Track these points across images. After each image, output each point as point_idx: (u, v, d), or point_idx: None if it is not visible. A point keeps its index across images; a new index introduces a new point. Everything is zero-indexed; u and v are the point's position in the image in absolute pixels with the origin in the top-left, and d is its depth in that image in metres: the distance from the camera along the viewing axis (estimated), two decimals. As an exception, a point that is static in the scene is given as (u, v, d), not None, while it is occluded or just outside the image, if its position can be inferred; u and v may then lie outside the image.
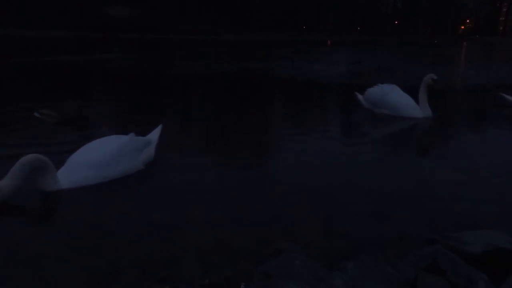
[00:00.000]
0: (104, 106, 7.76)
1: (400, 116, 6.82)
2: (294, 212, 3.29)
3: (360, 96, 7.32)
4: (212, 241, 2.82)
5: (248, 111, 7.82)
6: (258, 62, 17.74)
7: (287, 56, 21.55)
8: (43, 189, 3.50)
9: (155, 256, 2.63)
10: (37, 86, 10.30)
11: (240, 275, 2.35)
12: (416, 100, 6.86)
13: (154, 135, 4.64)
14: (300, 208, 3.37)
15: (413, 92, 6.99)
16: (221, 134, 6.06)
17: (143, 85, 10.90)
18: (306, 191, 3.74)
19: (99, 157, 3.78)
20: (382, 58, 21.85)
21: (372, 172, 4.38)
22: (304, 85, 11.36)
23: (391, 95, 6.96)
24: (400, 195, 3.69)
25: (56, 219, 3.27)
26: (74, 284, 2.35)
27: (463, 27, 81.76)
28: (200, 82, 11.74)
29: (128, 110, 7.59)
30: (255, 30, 55.84)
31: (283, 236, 2.90)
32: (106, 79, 12.34)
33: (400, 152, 5.35)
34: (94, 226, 3.02)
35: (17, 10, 44.75)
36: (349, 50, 29.63)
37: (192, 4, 55.02)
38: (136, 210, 3.30)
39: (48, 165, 3.46)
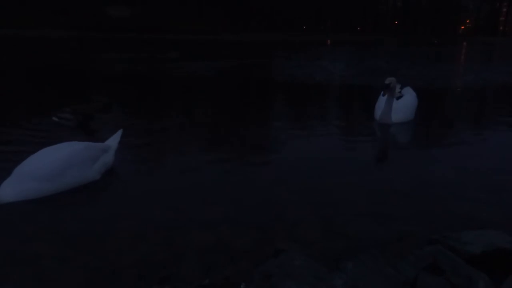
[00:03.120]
0: (113, 109, 7.72)
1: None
2: (294, 212, 3.30)
3: None
4: (212, 241, 2.82)
5: (248, 111, 7.82)
6: (257, 62, 17.73)
7: (287, 56, 21.55)
8: None
9: (155, 256, 2.63)
10: (42, 88, 10.30)
11: (240, 275, 2.35)
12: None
13: (113, 140, 4.31)
14: (300, 208, 3.37)
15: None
16: (220, 134, 6.06)
17: (145, 86, 10.90)
18: (306, 191, 3.74)
19: (47, 167, 3.46)
20: (382, 58, 21.84)
21: (372, 172, 4.38)
22: (304, 85, 11.35)
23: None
24: (400, 195, 3.70)
25: (55, 219, 3.26)
26: (74, 284, 2.36)
27: (463, 27, 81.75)
28: (200, 82, 11.73)
29: (138, 111, 7.59)
30: (255, 30, 55.82)
31: (283, 236, 2.90)
32: (105, 80, 12.32)
33: (400, 152, 5.35)
34: (93, 226, 3.02)
35: (17, 10, 44.72)
36: (348, 50, 29.62)
37: (192, 4, 54.98)
38: (136, 211, 3.30)
39: None
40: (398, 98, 6.84)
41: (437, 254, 2.31)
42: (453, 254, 2.33)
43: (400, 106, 6.53)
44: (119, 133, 4.41)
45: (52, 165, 3.50)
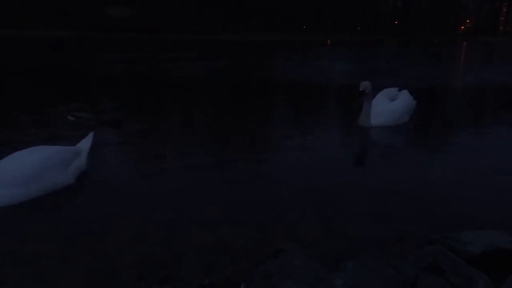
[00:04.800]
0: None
1: None
2: (294, 212, 3.30)
3: None
4: (212, 241, 2.82)
5: (248, 111, 7.82)
6: (257, 62, 17.73)
7: (287, 56, 21.55)
8: None
9: (155, 256, 2.63)
10: (42, 88, 10.30)
11: (240, 275, 2.35)
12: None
13: (85, 143, 4.22)
14: (300, 208, 3.37)
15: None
16: (220, 134, 6.06)
17: (145, 86, 10.90)
18: (306, 191, 3.74)
19: (18, 173, 3.36)
20: (382, 58, 21.85)
21: (372, 172, 4.38)
22: (304, 85, 11.35)
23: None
24: (400, 195, 3.70)
25: (55, 219, 3.26)
26: (74, 284, 2.36)
27: (463, 27, 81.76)
28: (200, 82, 11.74)
29: (137, 111, 7.58)
30: (255, 30, 55.88)
31: (283, 236, 2.90)
32: (105, 80, 12.33)
33: (400, 152, 5.35)
34: (94, 226, 3.02)
35: (17, 10, 44.73)
36: (348, 50, 29.62)
37: (192, 4, 55.00)
38: (136, 211, 3.30)
39: None
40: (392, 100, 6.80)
41: (437, 254, 2.31)
42: (453, 254, 2.33)
43: (385, 110, 6.34)
44: (90, 136, 4.32)
45: (26, 169, 3.42)
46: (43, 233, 2.91)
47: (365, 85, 5.92)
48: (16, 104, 7.72)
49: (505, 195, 3.71)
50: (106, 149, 5.01)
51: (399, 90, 7.15)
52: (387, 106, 6.50)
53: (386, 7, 77.38)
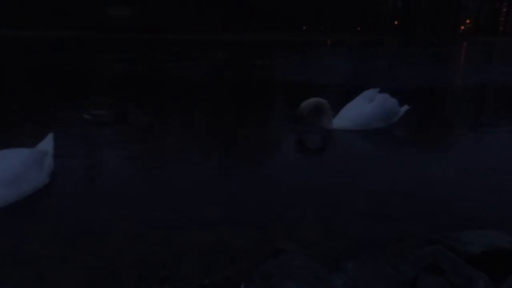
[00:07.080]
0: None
1: None
2: (294, 212, 3.30)
3: None
4: (212, 241, 2.82)
5: (248, 111, 7.82)
6: (257, 62, 17.72)
7: (287, 56, 21.55)
8: None
9: (155, 256, 2.63)
10: (42, 88, 10.29)
11: (240, 275, 2.35)
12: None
13: (47, 144, 4.20)
14: (300, 208, 3.37)
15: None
16: (220, 134, 6.06)
17: (145, 86, 10.90)
18: (306, 191, 3.74)
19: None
20: (382, 58, 21.85)
21: (372, 172, 4.38)
22: (304, 85, 11.35)
23: None
24: (400, 195, 3.69)
25: (55, 219, 3.26)
26: (74, 284, 2.36)
27: (463, 27, 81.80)
28: (200, 82, 11.73)
29: (137, 111, 7.59)
30: (255, 30, 55.93)
31: (283, 236, 2.90)
32: (105, 80, 12.33)
33: (400, 152, 5.35)
34: (94, 226, 3.02)
35: (17, 10, 44.75)
36: (348, 50, 29.62)
37: (192, 4, 55.02)
38: (135, 211, 3.30)
39: None
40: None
41: (437, 254, 2.31)
42: (453, 254, 2.33)
43: (352, 113, 6.21)
44: (50, 137, 4.28)
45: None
46: (43, 233, 2.91)
47: (302, 108, 5.87)
48: (16, 104, 7.72)
49: (505, 195, 3.71)
50: (105, 148, 5.01)
51: (380, 92, 6.92)
52: (356, 110, 6.27)
53: (386, 7, 77.36)
